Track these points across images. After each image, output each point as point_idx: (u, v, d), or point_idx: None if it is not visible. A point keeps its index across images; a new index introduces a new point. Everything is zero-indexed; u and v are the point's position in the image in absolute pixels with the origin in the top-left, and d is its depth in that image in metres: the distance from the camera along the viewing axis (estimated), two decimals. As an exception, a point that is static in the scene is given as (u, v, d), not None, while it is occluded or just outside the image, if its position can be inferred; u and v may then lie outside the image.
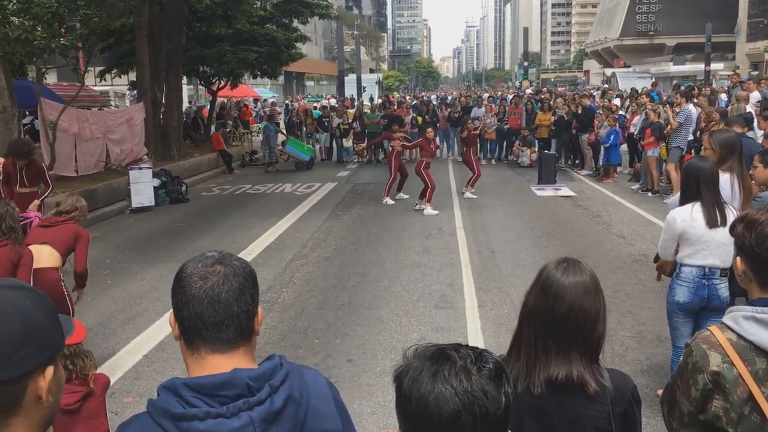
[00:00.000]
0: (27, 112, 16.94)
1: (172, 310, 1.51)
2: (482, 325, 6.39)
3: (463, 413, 1.08)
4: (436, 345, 1.20)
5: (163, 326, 6.53)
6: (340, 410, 1.60)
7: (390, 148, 13.67)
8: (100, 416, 3.27)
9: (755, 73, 38.76)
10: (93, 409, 3.19)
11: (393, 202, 12.97)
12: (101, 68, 21.63)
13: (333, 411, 1.57)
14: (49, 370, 1.17)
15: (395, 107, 22.17)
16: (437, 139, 17.61)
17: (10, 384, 1.12)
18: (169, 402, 1.38)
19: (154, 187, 13.45)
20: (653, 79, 34.41)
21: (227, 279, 1.48)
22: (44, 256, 5.04)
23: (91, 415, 3.17)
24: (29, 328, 1.14)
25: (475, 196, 13.34)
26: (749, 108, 11.50)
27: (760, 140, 7.72)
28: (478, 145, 19.61)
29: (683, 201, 4.23)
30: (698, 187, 4.10)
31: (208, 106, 24.91)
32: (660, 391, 4.56)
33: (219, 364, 1.45)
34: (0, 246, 4.64)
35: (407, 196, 13.23)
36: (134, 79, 19.37)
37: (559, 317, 1.98)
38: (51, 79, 21.27)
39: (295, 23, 23.92)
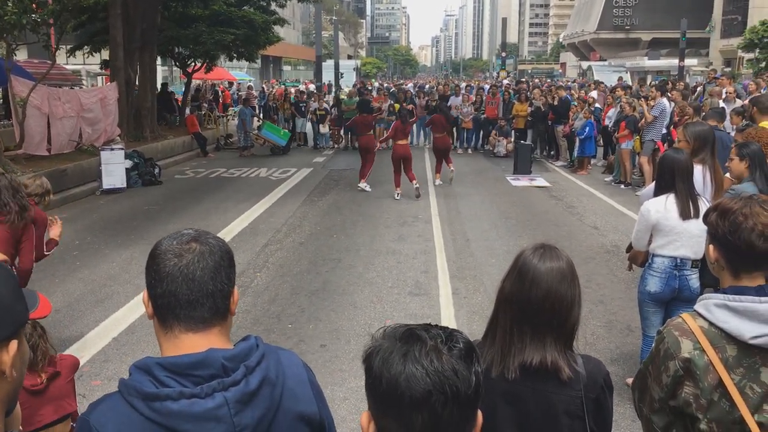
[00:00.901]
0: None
1: (145, 288, 1.48)
2: (456, 313, 6.42)
3: (434, 393, 1.08)
4: (405, 325, 1.19)
5: (133, 309, 6.45)
6: (316, 393, 1.59)
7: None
8: (68, 397, 3.21)
9: (728, 69, 39.36)
10: (60, 390, 3.13)
11: (370, 189, 12.93)
12: (72, 45, 21.19)
13: (309, 393, 1.56)
14: (13, 344, 1.14)
15: (373, 94, 22.10)
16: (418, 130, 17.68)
17: None
18: (142, 381, 1.35)
19: (126, 169, 13.24)
20: (627, 73, 34.76)
21: (203, 257, 1.45)
22: None
23: (58, 396, 3.11)
24: None
25: (440, 183, 13.50)
26: (722, 104, 11.65)
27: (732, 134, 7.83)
28: (455, 134, 19.70)
29: (657, 192, 4.27)
30: (673, 179, 4.14)
31: (182, 90, 24.57)
32: (630, 380, 4.65)
33: (193, 343, 1.42)
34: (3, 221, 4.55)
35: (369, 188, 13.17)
36: (107, 58, 19.01)
37: (535, 303, 1.98)
38: (21, 55, 20.77)
39: (273, 6, 23.66)
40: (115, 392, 1.39)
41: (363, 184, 12.89)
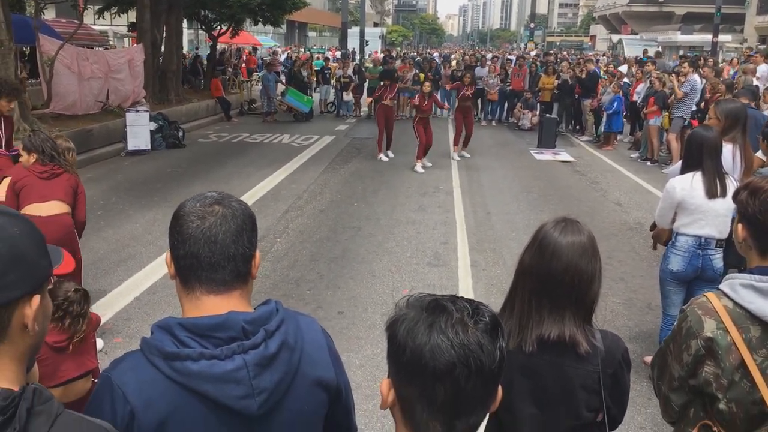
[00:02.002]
0: (26, 47, 16.62)
1: (168, 249, 1.49)
2: (474, 285, 6.42)
3: (457, 365, 1.07)
4: (431, 295, 1.18)
5: (155, 269, 6.53)
6: (334, 359, 1.60)
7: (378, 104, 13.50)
8: (89, 354, 3.27)
9: (763, 47, 38.35)
10: (82, 347, 3.18)
11: (387, 159, 12.86)
12: (100, 6, 21.20)
13: (326, 359, 1.57)
14: (36, 299, 1.15)
15: (398, 62, 21.90)
16: (441, 99, 17.42)
17: None
18: (163, 341, 1.36)
19: (151, 131, 13.30)
20: (659, 48, 33.98)
21: (225, 220, 1.44)
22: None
23: (79, 353, 3.16)
24: (15, 254, 1.11)
25: (461, 158, 13.22)
26: (756, 82, 11.39)
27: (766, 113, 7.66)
28: (480, 106, 19.49)
29: (684, 170, 4.19)
30: (701, 157, 4.06)
31: (206, 54, 24.51)
32: (647, 358, 4.62)
33: (214, 305, 1.43)
34: (58, 174, 4.78)
35: (392, 156, 13.09)
36: (134, 19, 19.00)
37: (555, 276, 1.96)
38: (49, 15, 20.87)
39: (300, -29, 23.41)
40: (137, 350, 1.41)
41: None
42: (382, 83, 13.56)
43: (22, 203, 4.69)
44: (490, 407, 1.15)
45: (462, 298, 1.18)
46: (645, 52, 23.44)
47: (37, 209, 4.65)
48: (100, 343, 5.10)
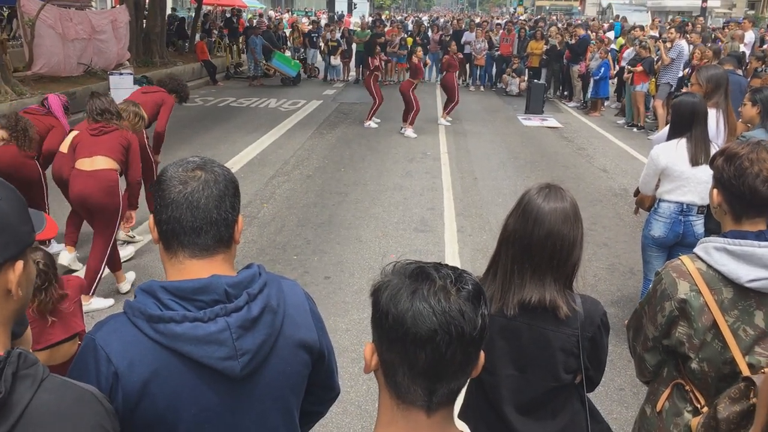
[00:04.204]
0: (5, 8, 16.26)
1: (151, 213, 1.50)
2: (460, 250, 6.47)
3: (439, 332, 1.09)
4: (415, 262, 1.20)
5: (140, 233, 6.52)
6: (316, 321, 1.62)
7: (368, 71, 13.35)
8: (76, 317, 3.28)
9: (751, 12, 38.20)
10: (67, 310, 3.20)
11: (376, 126, 12.81)
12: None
13: (309, 321, 1.60)
14: (19, 265, 1.16)
15: (387, 26, 21.63)
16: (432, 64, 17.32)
17: None
18: (146, 303, 1.38)
19: (135, 95, 13.11)
20: (647, 12, 33.78)
21: (207, 185, 1.45)
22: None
23: (65, 316, 3.18)
24: None
25: (449, 123, 13.19)
26: (743, 48, 11.39)
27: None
28: (468, 71, 19.37)
29: (671, 136, 4.21)
30: (691, 123, 4.06)
31: (191, 16, 24.07)
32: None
33: (197, 269, 1.45)
34: (107, 131, 5.01)
35: (379, 121, 13.03)
36: (116, -20, 18.62)
37: (537, 242, 1.99)
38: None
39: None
40: (121, 313, 1.42)
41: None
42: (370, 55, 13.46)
43: (76, 157, 5.01)
44: (472, 373, 1.17)
45: (446, 265, 1.19)
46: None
47: (83, 164, 4.96)
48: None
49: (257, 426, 1.52)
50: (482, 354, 1.18)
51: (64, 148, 5.31)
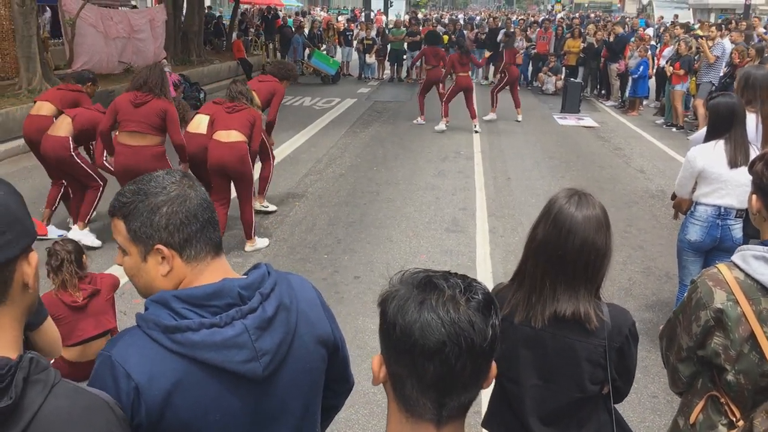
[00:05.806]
0: (47, 7, 16.64)
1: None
2: (491, 251, 6.40)
3: (447, 344, 1.05)
4: (424, 271, 1.17)
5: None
6: (327, 314, 1.63)
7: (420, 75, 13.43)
8: (107, 314, 3.34)
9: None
10: (100, 306, 3.25)
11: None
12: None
13: (321, 315, 1.60)
14: (34, 256, 1.16)
15: (421, 25, 21.54)
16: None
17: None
18: (160, 314, 1.36)
19: (172, 93, 13.31)
20: (689, 10, 33.04)
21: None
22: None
23: (97, 312, 3.23)
24: (7, 214, 1.12)
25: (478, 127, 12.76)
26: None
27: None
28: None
29: (709, 137, 4.09)
30: (730, 125, 3.94)
31: (229, 15, 24.30)
32: (662, 327, 4.58)
33: (216, 267, 1.47)
34: (239, 110, 5.87)
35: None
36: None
37: (571, 252, 1.92)
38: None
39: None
40: (134, 327, 1.40)
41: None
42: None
43: (214, 130, 5.89)
44: (483, 385, 1.14)
45: (455, 274, 1.16)
46: (675, 17, 22.85)
47: (220, 135, 5.84)
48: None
49: (280, 426, 1.51)
50: (494, 365, 1.15)
51: (192, 128, 6.43)
